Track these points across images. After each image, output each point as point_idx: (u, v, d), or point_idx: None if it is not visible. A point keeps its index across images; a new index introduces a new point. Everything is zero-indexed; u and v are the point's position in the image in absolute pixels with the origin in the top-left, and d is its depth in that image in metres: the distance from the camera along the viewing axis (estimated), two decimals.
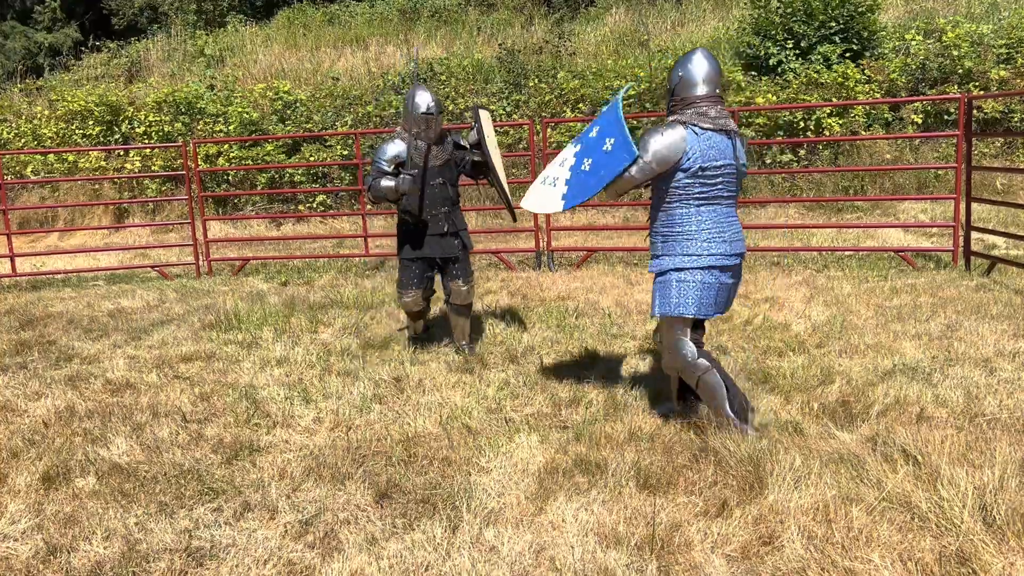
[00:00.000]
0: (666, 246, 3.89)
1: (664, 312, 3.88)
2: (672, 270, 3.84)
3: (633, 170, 3.81)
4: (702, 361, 3.89)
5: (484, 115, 5.58)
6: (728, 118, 3.84)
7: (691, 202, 3.79)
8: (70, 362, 5.90)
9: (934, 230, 9.54)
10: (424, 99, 5.45)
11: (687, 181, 3.77)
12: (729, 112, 3.97)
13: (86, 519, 3.35)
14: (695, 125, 3.75)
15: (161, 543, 3.12)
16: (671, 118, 3.85)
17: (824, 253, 8.70)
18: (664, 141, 3.73)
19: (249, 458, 3.90)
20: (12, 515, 3.41)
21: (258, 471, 3.75)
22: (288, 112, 14.38)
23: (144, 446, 4.11)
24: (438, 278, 5.74)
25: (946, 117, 12.15)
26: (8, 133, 15.31)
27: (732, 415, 3.84)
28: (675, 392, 4.16)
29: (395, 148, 5.44)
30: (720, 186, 3.80)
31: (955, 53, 12.34)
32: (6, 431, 4.39)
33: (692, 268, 3.80)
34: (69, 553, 3.09)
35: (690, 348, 3.91)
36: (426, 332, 6.05)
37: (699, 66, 3.84)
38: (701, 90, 3.82)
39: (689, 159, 3.73)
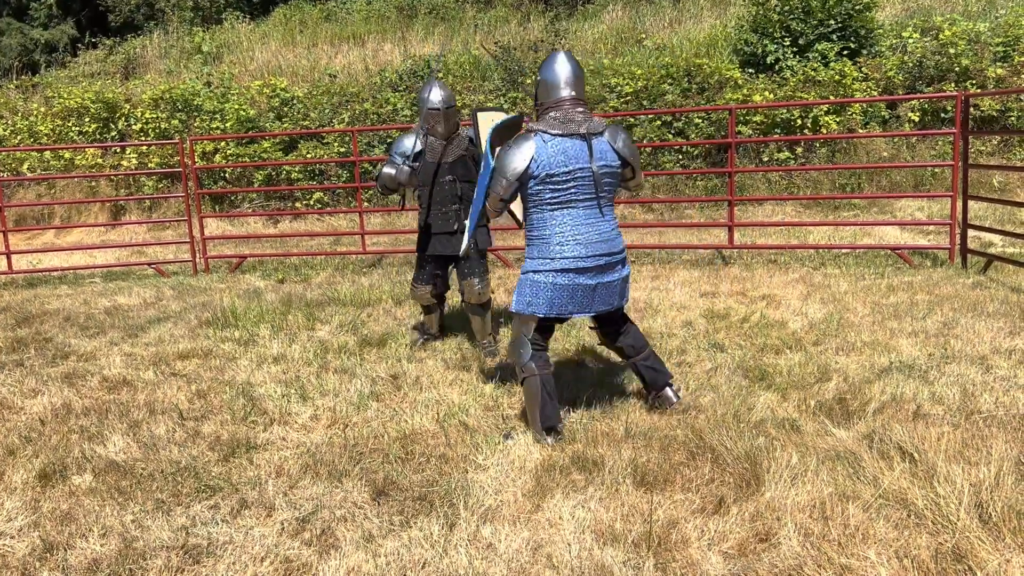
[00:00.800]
0: (528, 249, 4.03)
1: (517, 309, 4.03)
2: (530, 271, 3.97)
3: (496, 186, 3.93)
4: (531, 365, 3.99)
5: (484, 117, 5.44)
6: (585, 122, 3.86)
7: (544, 207, 3.89)
8: (66, 359, 5.90)
9: (931, 228, 9.55)
10: (436, 94, 5.41)
11: (537, 188, 3.86)
12: (599, 115, 4.14)
13: (83, 516, 3.34)
14: (544, 132, 3.83)
15: (158, 540, 3.12)
16: (531, 125, 3.95)
17: (821, 251, 8.70)
18: (512, 154, 3.84)
19: (246, 455, 3.90)
20: (8, 512, 3.40)
21: (255, 468, 3.75)
22: (285, 109, 14.36)
23: (141, 443, 4.11)
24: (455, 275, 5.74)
25: (943, 115, 12.17)
26: (4, 130, 15.26)
27: (539, 428, 3.93)
28: (644, 384, 4.34)
29: (409, 141, 5.43)
30: (573, 190, 3.86)
31: (952, 51, 12.35)
32: (2, 428, 4.39)
33: (545, 271, 3.92)
34: (66, 551, 3.09)
35: (527, 349, 4.02)
36: (439, 333, 5.96)
37: (557, 70, 3.91)
38: (559, 94, 3.89)
39: (537, 167, 3.80)
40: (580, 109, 3.91)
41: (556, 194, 3.85)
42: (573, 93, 3.90)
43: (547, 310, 3.95)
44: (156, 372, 5.42)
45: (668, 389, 4.26)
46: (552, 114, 3.88)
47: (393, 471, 3.64)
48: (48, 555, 3.07)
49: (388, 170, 5.35)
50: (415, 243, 5.85)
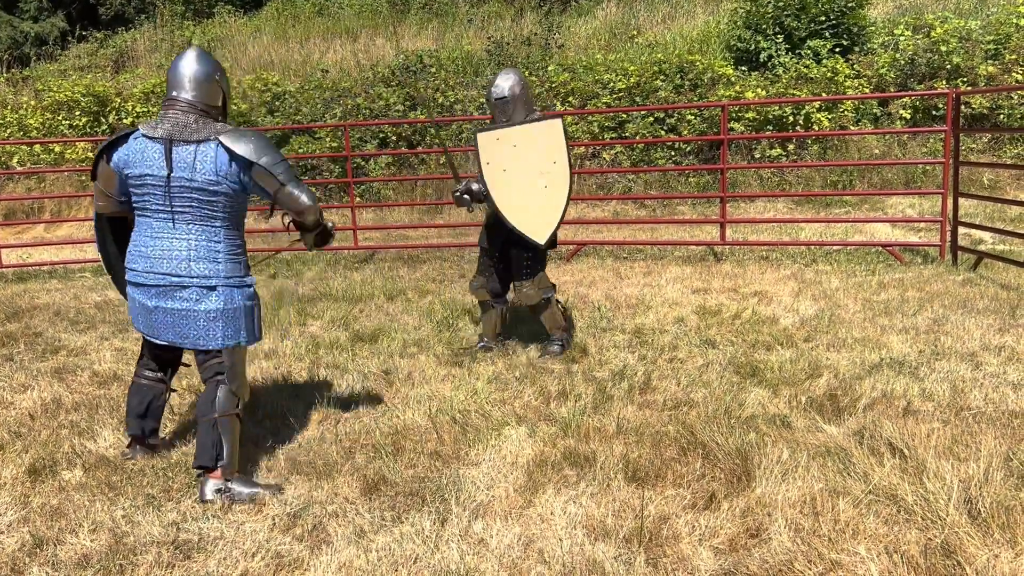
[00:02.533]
0: None
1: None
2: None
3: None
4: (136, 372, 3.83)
5: (485, 139, 5.20)
6: (173, 125, 3.43)
7: (136, 211, 3.56)
8: (56, 354, 5.87)
9: (921, 225, 9.59)
10: (495, 84, 5.20)
11: (128, 187, 3.56)
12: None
13: (73, 512, 3.33)
14: (142, 129, 3.49)
15: (148, 536, 3.11)
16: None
17: (813, 247, 8.73)
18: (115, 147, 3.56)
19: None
20: None
21: (246, 464, 3.73)
22: (277, 104, 14.31)
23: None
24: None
25: (934, 112, 12.21)
26: None
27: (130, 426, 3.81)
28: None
29: None
30: (147, 197, 3.46)
31: (943, 49, 12.39)
32: None
33: (128, 280, 3.60)
34: (55, 546, 3.08)
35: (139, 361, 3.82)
36: (500, 342, 5.55)
37: (173, 69, 3.56)
38: (170, 92, 3.53)
39: (124, 164, 3.51)
40: (173, 111, 3.51)
41: (136, 198, 3.52)
42: (175, 92, 3.51)
43: (135, 321, 3.66)
44: None
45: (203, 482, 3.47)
46: (161, 111, 3.56)
47: (384, 467, 3.63)
48: (38, 550, 3.05)
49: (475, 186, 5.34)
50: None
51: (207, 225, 3.48)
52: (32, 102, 15.04)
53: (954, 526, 2.87)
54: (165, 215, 3.46)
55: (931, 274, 7.27)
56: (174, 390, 4.07)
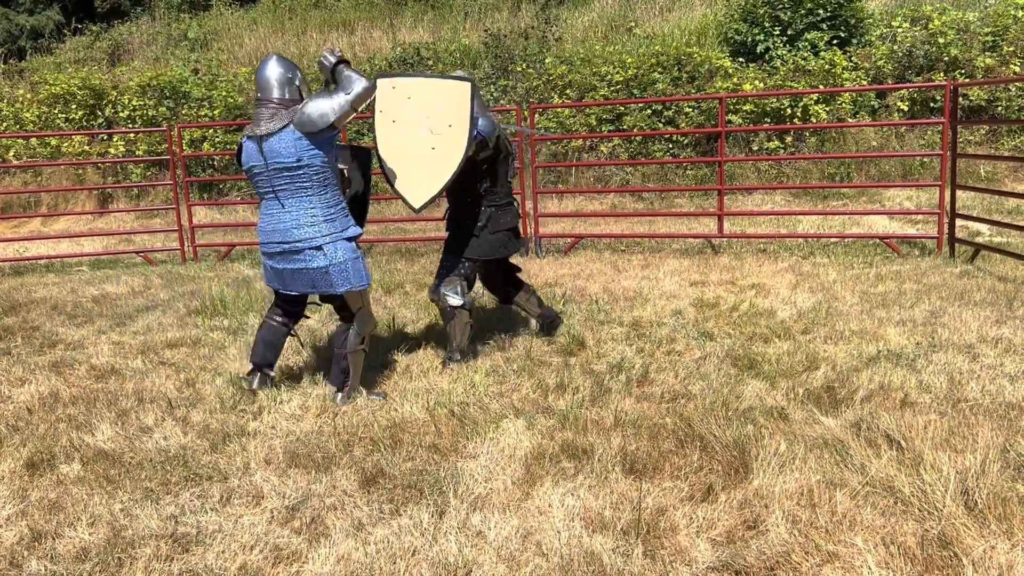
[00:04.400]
0: None
1: None
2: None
3: None
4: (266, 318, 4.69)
5: (383, 84, 4.78)
6: (260, 123, 4.19)
7: (259, 198, 4.36)
8: (54, 348, 5.86)
9: (919, 217, 9.60)
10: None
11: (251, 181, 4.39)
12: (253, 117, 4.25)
13: (71, 505, 3.33)
14: (246, 131, 4.29)
15: (147, 529, 3.11)
16: None
17: (810, 240, 8.73)
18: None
19: (235, 444, 3.89)
20: None
21: (244, 457, 3.74)
22: None
23: (129, 432, 4.09)
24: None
25: (932, 105, 12.20)
26: None
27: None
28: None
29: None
30: (260, 185, 4.28)
31: (941, 41, 12.38)
32: None
33: (261, 250, 4.44)
34: (54, 539, 3.08)
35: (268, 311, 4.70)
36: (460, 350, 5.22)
37: (258, 74, 4.29)
38: (257, 94, 4.28)
39: (243, 163, 4.33)
40: (261, 110, 4.24)
41: (256, 188, 4.33)
42: (259, 95, 4.26)
43: (266, 281, 4.54)
44: (144, 361, 5.40)
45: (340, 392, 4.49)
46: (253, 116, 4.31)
47: (382, 459, 3.64)
48: (36, 544, 3.05)
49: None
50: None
51: (301, 196, 4.19)
52: (28, 95, 14.98)
53: (951, 517, 2.88)
54: (271, 196, 4.25)
55: (928, 266, 7.28)
56: (295, 334, 4.84)
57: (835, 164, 11.88)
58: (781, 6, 13.28)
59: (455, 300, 4.99)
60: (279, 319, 4.66)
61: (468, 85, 4.63)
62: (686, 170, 12.37)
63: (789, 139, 12.32)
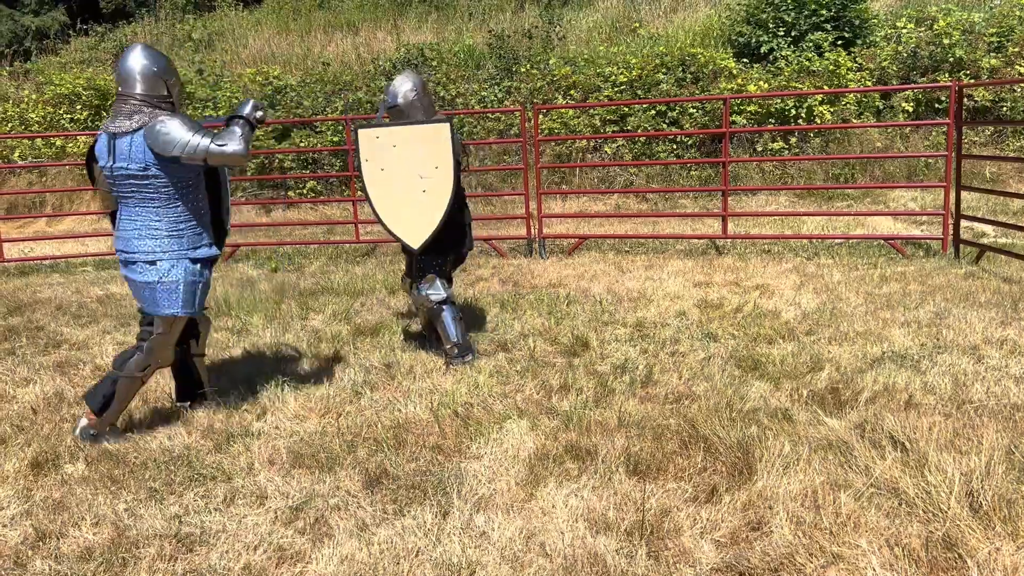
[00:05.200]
0: None
1: None
2: None
3: None
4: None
5: (364, 136, 4.93)
6: (116, 119, 3.84)
7: None
8: (59, 348, 5.87)
9: (924, 218, 9.57)
10: (389, 89, 5.05)
11: None
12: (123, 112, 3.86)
13: (75, 505, 3.34)
14: (103, 126, 3.93)
15: (151, 529, 3.12)
16: None
17: (815, 241, 8.72)
18: None
19: (239, 444, 3.89)
20: (1, 501, 3.39)
21: (248, 457, 3.74)
22: (278, 97, 14.29)
23: (133, 432, 4.10)
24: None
25: (937, 105, 12.18)
26: None
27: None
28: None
29: None
30: (112, 186, 3.93)
31: (946, 41, 12.35)
32: None
33: None
34: (58, 539, 3.09)
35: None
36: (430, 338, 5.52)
37: (119, 64, 3.92)
38: (118, 87, 3.93)
39: (97, 159, 3.94)
40: (120, 104, 3.88)
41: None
42: (121, 88, 3.89)
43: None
44: None
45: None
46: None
47: (386, 460, 3.64)
48: (41, 543, 3.06)
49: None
50: None
51: (146, 206, 3.88)
52: (33, 96, 15.03)
53: (956, 519, 2.87)
54: (122, 200, 3.94)
55: (933, 267, 7.26)
56: (202, 354, 4.52)
57: (840, 165, 11.86)
58: (785, 7, 13.26)
59: (437, 295, 5.00)
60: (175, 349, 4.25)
61: (446, 126, 4.79)
62: (690, 171, 12.36)
63: (793, 140, 12.30)
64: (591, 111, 12.92)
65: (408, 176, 4.84)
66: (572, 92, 13.49)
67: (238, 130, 3.90)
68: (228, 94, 14.11)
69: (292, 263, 9.18)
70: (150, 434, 4.07)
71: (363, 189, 4.97)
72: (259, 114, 4.04)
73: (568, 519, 3.08)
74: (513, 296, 6.79)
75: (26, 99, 14.95)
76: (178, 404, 4.44)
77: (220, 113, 13.84)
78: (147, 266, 3.91)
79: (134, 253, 3.91)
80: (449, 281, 5.18)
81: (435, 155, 4.80)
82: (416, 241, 4.89)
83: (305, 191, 13.17)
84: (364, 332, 5.87)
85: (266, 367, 5.13)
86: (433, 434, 3.94)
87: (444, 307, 5.00)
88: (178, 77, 4.04)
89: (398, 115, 4.97)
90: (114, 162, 3.83)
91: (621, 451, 3.61)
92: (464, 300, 6.64)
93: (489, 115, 13.25)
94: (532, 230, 9.21)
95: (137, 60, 3.87)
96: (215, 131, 3.92)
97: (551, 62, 14.20)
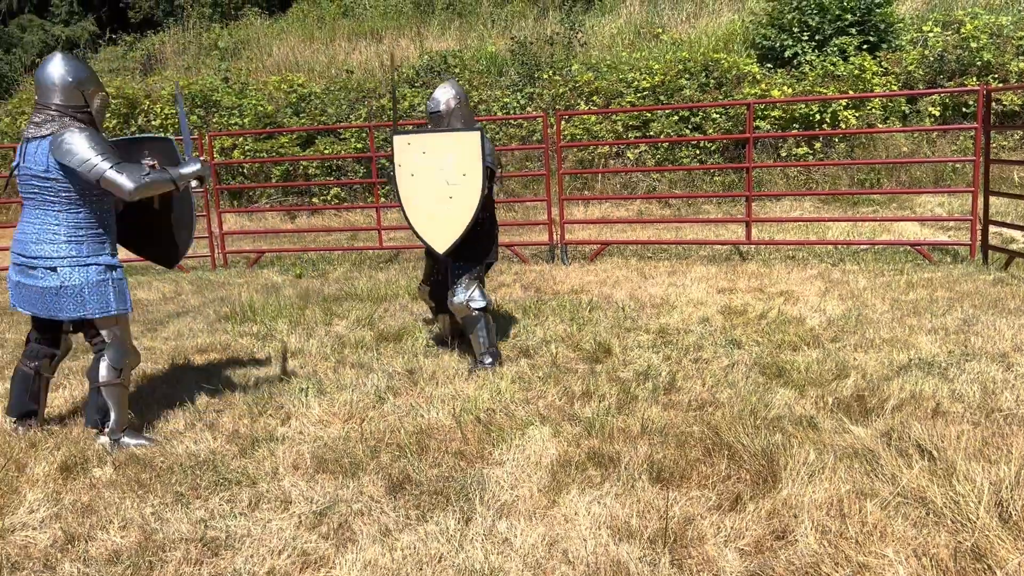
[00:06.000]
0: None
1: None
2: None
3: None
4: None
5: (399, 142, 4.99)
6: (30, 125, 3.92)
7: None
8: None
9: (951, 224, 9.46)
10: (432, 96, 5.21)
11: None
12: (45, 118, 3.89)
13: (103, 508, 3.38)
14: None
15: (177, 533, 3.15)
16: None
17: (840, 247, 8.65)
18: None
19: (263, 449, 3.92)
20: (31, 504, 3.44)
21: (272, 462, 3.77)
22: (303, 105, 14.42)
23: (160, 437, 4.14)
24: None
25: (964, 110, 12.05)
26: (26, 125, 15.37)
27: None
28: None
29: None
30: (20, 188, 3.95)
31: (974, 45, 12.22)
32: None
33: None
34: (87, 542, 3.12)
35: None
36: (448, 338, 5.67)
37: (37, 73, 3.95)
38: (36, 97, 3.97)
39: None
40: (36, 112, 3.94)
41: None
42: (37, 96, 3.96)
43: (11, 300, 4.11)
44: (175, 366, 5.47)
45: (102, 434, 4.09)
46: None
47: (409, 465, 3.65)
48: (69, 546, 3.10)
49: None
50: None
51: (46, 209, 3.89)
52: None
53: (984, 529, 2.83)
54: (25, 201, 3.96)
55: (961, 273, 7.17)
56: (46, 376, 4.33)
57: (865, 170, 11.76)
58: (810, 11, 13.18)
59: (480, 303, 5.05)
60: (31, 364, 4.21)
61: (476, 135, 4.83)
62: (713, 176, 12.31)
63: (818, 145, 12.22)
64: (613, 117, 12.91)
65: (436, 182, 4.91)
66: (594, 98, 13.49)
67: (151, 175, 3.93)
68: (253, 102, 14.25)
69: (316, 269, 9.25)
70: (176, 439, 4.11)
71: (396, 193, 5.06)
72: (194, 184, 4.15)
73: (591, 526, 3.07)
74: (535, 302, 6.79)
75: None
76: (8, 417, 4.27)
77: (246, 122, 13.97)
78: (48, 272, 3.88)
79: (33, 258, 3.89)
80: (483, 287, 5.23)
81: (464, 163, 4.85)
82: (442, 246, 4.94)
83: (329, 198, 13.27)
84: (387, 338, 5.90)
85: (290, 372, 5.17)
86: (455, 440, 3.95)
87: (485, 314, 5.07)
88: (99, 87, 4.04)
89: (439, 121, 5.11)
90: (23, 162, 3.90)
91: (644, 458, 3.60)
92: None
93: (511, 121, 13.28)
94: (554, 236, 9.22)
95: (56, 69, 3.89)
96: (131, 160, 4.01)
97: (573, 68, 14.21)
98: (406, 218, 5.03)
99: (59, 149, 3.81)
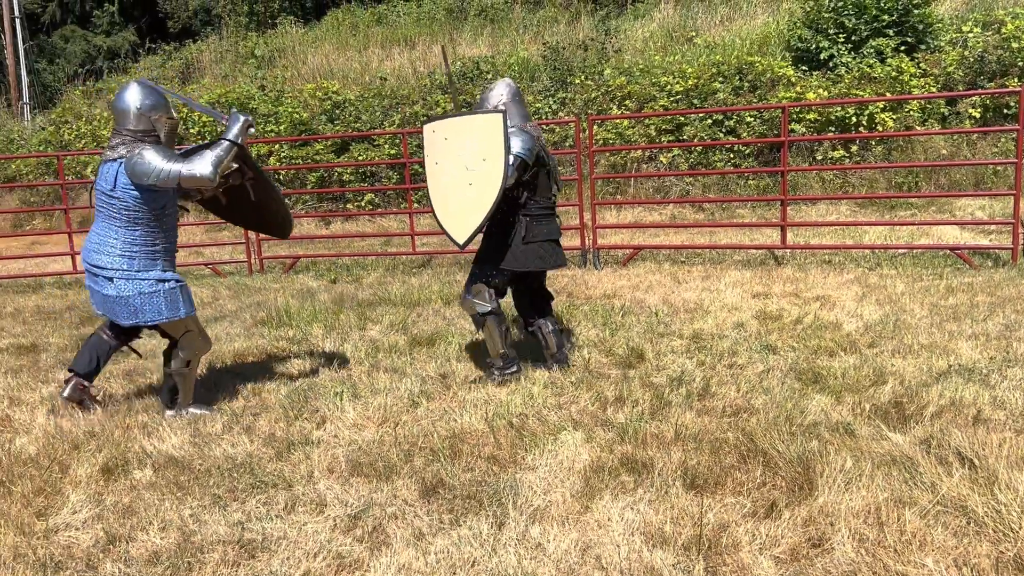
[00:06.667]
0: None
1: None
2: None
3: None
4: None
5: (427, 129, 4.90)
6: (108, 148, 4.32)
7: None
8: (128, 357, 6.06)
9: (992, 227, 9.28)
10: (482, 94, 5.07)
11: None
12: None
13: (143, 510, 3.44)
14: None
15: (215, 535, 3.20)
16: None
17: (877, 251, 8.52)
18: None
19: (299, 452, 3.97)
20: (74, 505, 3.52)
21: (308, 465, 3.81)
22: (337, 112, 14.57)
23: (197, 440, 4.21)
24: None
25: (1005, 111, 11.81)
26: (69, 135, 15.76)
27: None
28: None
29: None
30: (95, 202, 4.43)
31: (1015, 45, 11.97)
32: (69, 423, 4.53)
33: None
34: (127, 542, 3.18)
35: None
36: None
37: (115, 100, 4.39)
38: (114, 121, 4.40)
39: None
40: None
41: None
42: (113, 121, 4.40)
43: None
44: (212, 370, 5.55)
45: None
46: None
47: (442, 470, 3.67)
48: (111, 547, 3.16)
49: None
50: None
51: (108, 224, 4.33)
52: (105, 114, 15.59)
53: None
54: (96, 215, 4.40)
55: (1002, 278, 7.03)
56: (125, 350, 4.96)
57: (903, 173, 11.58)
58: (846, 12, 13.03)
59: (483, 307, 4.91)
60: (107, 334, 4.73)
61: (500, 116, 4.55)
62: (748, 180, 12.21)
63: (855, 148, 12.06)
64: (646, 121, 12.86)
65: (456, 169, 4.67)
66: (627, 102, 13.46)
67: (210, 154, 4.30)
68: (289, 109, 14.43)
69: (350, 274, 9.33)
70: (214, 442, 4.18)
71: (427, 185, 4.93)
72: (251, 130, 4.47)
73: (624, 532, 3.06)
74: (567, 307, 6.78)
75: (98, 117, 15.52)
76: (69, 371, 4.75)
77: (281, 129, 14.15)
78: (106, 281, 4.37)
79: (94, 266, 4.37)
80: (501, 293, 5.01)
81: (484, 148, 4.56)
82: (461, 236, 4.67)
83: (363, 204, 13.38)
84: (420, 342, 5.93)
85: (325, 376, 5.22)
86: (488, 444, 3.96)
87: (488, 318, 4.93)
88: (166, 113, 4.40)
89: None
90: (97, 180, 4.35)
91: (678, 464, 3.58)
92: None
93: (543, 126, 13.30)
94: (586, 241, 9.21)
95: (127, 97, 4.32)
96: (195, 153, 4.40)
97: (606, 73, 14.19)
98: (432, 209, 4.83)
99: (134, 171, 4.20)
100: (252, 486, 3.63)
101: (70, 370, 4.71)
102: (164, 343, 4.85)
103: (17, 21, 23.27)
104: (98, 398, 4.85)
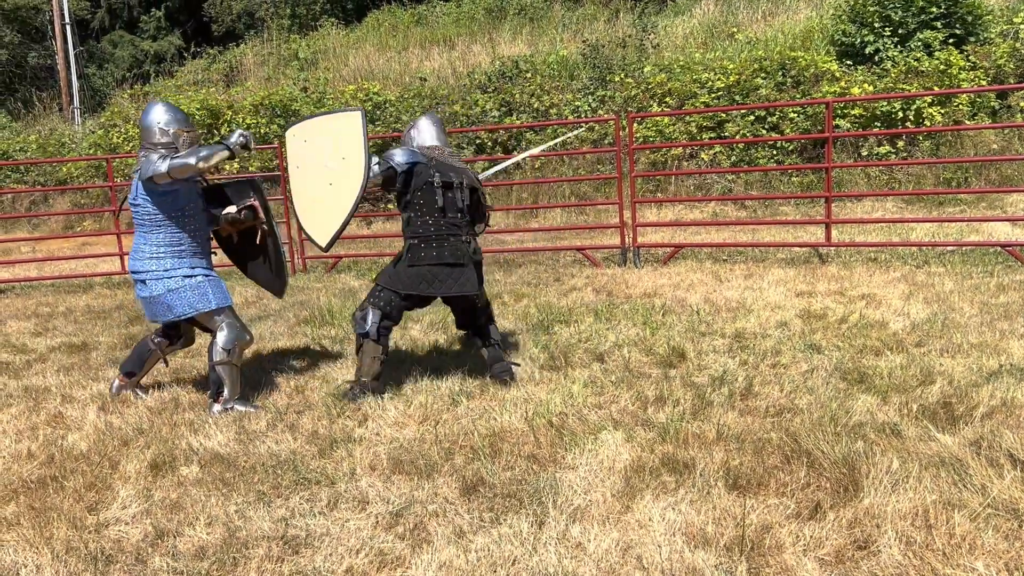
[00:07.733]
0: None
1: None
2: None
3: None
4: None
5: (288, 135, 4.84)
6: (137, 164, 4.64)
7: None
8: (174, 355, 6.18)
9: None
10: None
11: None
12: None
13: (190, 505, 3.51)
14: None
15: (259, 531, 3.25)
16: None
17: (924, 248, 8.35)
18: None
19: (342, 450, 4.01)
20: (123, 500, 3.60)
21: (350, 463, 3.86)
22: (378, 113, 14.69)
23: (243, 437, 4.28)
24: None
25: None
26: (118, 138, 16.13)
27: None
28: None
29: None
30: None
31: None
32: (119, 420, 4.64)
33: None
34: (175, 537, 3.25)
35: None
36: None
37: (141, 118, 4.73)
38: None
39: None
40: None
41: None
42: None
43: None
44: (256, 368, 5.63)
45: None
46: None
47: (483, 468, 3.68)
48: (159, 541, 3.23)
49: None
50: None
51: (138, 231, 4.69)
52: None
53: None
54: (134, 225, 4.74)
55: None
56: (166, 361, 5.24)
57: (952, 169, 11.33)
58: (892, 5, 12.78)
59: (360, 328, 4.75)
60: (154, 340, 5.05)
61: (358, 115, 4.58)
62: (791, 177, 12.04)
63: (901, 143, 11.82)
64: (687, 118, 12.75)
65: (317, 168, 4.62)
66: (667, 99, 13.36)
67: (204, 149, 4.53)
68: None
69: None
70: (259, 439, 4.24)
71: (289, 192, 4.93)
72: (241, 140, 4.66)
73: (665, 533, 3.04)
74: (607, 306, 6.76)
75: None
76: (118, 371, 5.15)
77: None
78: (142, 284, 4.71)
79: (133, 272, 4.74)
80: (392, 318, 4.81)
81: (343, 146, 4.51)
82: (323, 239, 4.61)
83: None
84: (460, 341, 5.96)
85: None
86: (528, 443, 3.96)
87: (366, 341, 4.74)
88: (186, 128, 4.69)
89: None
90: (130, 193, 4.71)
91: (720, 465, 3.54)
92: (559, 310, 6.66)
93: (583, 125, 13.26)
94: (626, 239, 9.16)
95: (150, 114, 4.66)
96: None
97: (646, 70, 14.10)
98: (295, 215, 4.84)
99: (143, 172, 4.50)
100: (296, 483, 3.68)
101: (120, 370, 5.07)
102: (207, 340, 5.00)
103: (68, 27, 23.88)
104: (143, 396, 5.05)
